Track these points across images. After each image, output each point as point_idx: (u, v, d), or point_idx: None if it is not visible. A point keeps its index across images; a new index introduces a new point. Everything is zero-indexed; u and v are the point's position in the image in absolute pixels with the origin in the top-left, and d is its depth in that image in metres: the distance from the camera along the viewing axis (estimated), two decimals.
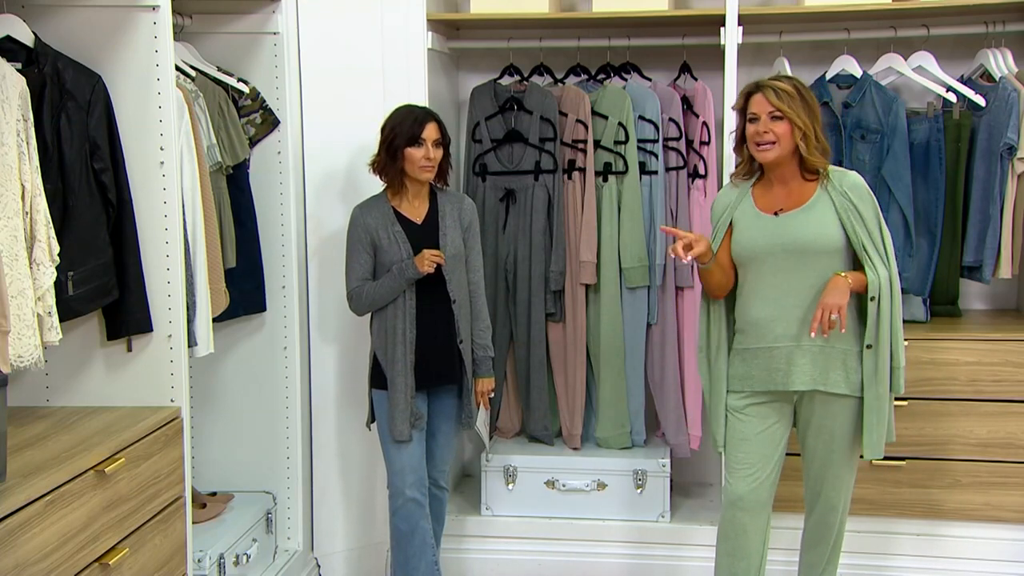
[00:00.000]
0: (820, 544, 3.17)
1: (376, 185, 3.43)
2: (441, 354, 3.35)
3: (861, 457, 3.05)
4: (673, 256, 3.00)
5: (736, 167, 3.13)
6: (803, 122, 2.92)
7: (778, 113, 2.93)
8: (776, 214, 3.00)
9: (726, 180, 3.72)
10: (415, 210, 3.37)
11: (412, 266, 3.25)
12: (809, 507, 3.18)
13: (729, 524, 3.10)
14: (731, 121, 3.39)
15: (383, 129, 3.32)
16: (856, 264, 2.98)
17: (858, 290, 2.94)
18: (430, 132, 3.28)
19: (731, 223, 3.08)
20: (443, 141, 3.32)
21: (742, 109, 3.02)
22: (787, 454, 3.13)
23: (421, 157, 3.26)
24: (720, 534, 3.14)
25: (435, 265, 3.25)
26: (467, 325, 3.39)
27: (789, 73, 3.77)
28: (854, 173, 3.03)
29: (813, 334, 2.89)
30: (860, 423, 3.00)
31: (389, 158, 3.28)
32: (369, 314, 3.39)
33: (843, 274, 2.92)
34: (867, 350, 2.95)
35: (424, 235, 3.33)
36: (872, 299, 2.92)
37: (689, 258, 2.95)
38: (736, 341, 3.10)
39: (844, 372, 2.98)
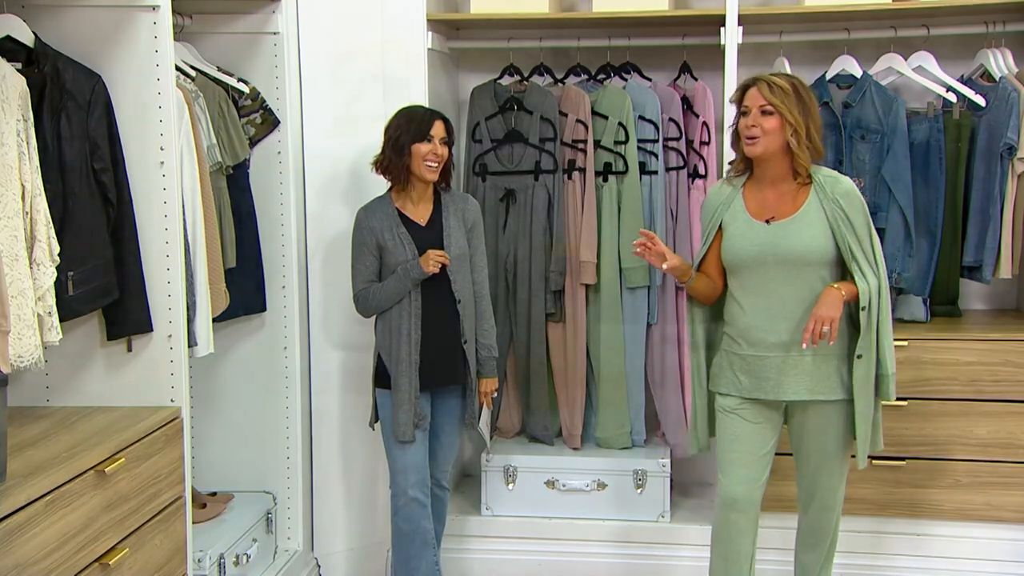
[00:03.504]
0: (816, 546, 3.16)
1: (377, 185, 3.43)
2: (446, 354, 3.35)
3: (853, 457, 3.05)
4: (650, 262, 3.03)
5: (731, 162, 3.11)
6: (794, 119, 2.88)
7: (769, 108, 2.89)
8: (768, 222, 2.97)
9: None
10: (419, 211, 3.37)
11: (417, 267, 3.25)
12: (803, 508, 3.16)
13: (723, 526, 3.06)
14: (731, 120, 3.37)
15: (388, 128, 3.32)
16: (845, 272, 2.95)
17: (851, 300, 2.91)
18: (438, 129, 3.29)
19: (720, 226, 3.05)
20: (449, 141, 3.33)
21: (738, 102, 2.99)
22: (778, 454, 3.12)
23: (428, 152, 3.26)
24: (714, 536, 3.11)
25: (440, 265, 3.25)
26: (472, 325, 3.39)
27: (789, 73, 3.78)
28: (846, 179, 2.98)
29: (805, 346, 2.86)
30: (851, 425, 2.98)
31: (395, 154, 3.28)
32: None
33: (836, 286, 2.88)
34: (857, 360, 2.91)
35: (429, 236, 3.33)
36: (863, 309, 2.89)
37: (664, 267, 3.00)
38: (725, 343, 3.08)
39: (839, 378, 2.96)
